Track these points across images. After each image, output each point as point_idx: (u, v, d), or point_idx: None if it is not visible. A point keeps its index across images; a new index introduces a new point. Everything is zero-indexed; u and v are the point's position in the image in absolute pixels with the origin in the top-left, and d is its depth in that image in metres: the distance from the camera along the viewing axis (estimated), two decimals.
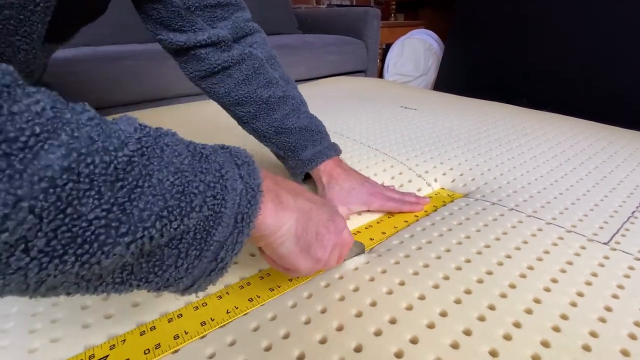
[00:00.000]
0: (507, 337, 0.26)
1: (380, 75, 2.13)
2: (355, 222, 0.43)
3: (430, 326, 0.27)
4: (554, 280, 0.31)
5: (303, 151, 0.44)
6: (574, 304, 0.29)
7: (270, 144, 0.46)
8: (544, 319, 0.27)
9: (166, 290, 0.20)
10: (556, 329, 0.26)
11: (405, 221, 0.42)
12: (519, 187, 0.49)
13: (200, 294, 0.30)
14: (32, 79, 0.42)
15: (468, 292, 0.30)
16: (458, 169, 0.55)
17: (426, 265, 0.33)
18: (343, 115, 0.80)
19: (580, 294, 0.30)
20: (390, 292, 0.30)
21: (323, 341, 0.26)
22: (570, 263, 0.34)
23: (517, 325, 0.27)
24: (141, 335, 0.27)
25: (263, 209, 0.22)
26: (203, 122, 0.77)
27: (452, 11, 1.75)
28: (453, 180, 0.53)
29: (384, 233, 0.40)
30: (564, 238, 0.37)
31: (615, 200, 0.45)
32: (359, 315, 0.28)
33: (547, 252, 0.35)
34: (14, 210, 0.12)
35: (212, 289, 0.31)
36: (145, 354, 0.25)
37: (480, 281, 0.31)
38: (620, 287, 0.31)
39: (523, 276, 0.32)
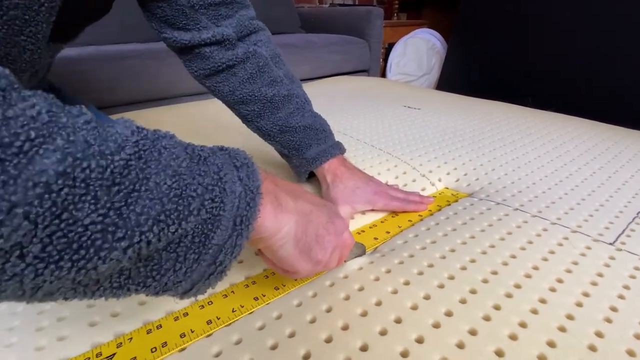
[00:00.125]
0: (513, 337, 0.26)
1: (383, 74, 2.12)
2: (359, 222, 0.43)
3: (436, 326, 0.27)
4: (560, 281, 0.31)
5: (307, 150, 0.44)
6: (579, 304, 0.29)
7: (274, 142, 0.46)
8: (550, 319, 0.27)
9: (165, 294, 0.20)
10: (562, 329, 0.26)
11: (409, 221, 0.42)
12: (523, 187, 0.49)
13: (206, 293, 0.30)
14: (37, 79, 0.42)
15: (473, 292, 0.30)
16: (462, 168, 0.55)
17: (431, 265, 0.33)
18: (346, 115, 0.80)
19: (586, 294, 0.30)
20: (395, 292, 0.30)
21: (329, 340, 0.26)
22: (575, 263, 0.33)
23: (522, 325, 0.27)
24: (148, 333, 0.27)
25: (262, 212, 0.22)
26: (206, 121, 0.77)
27: (455, 11, 1.75)
28: (457, 180, 0.53)
29: (388, 232, 0.40)
30: (569, 238, 0.37)
31: (621, 200, 0.45)
32: (364, 314, 0.28)
33: (552, 252, 0.35)
34: (9, 217, 0.12)
35: (218, 288, 0.31)
36: (152, 352, 0.25)
37: (485, 281, 0.31)
38: (626, 287, 0.31)
39: (528, 276, 0.32)
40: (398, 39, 2.08)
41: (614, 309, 0.28)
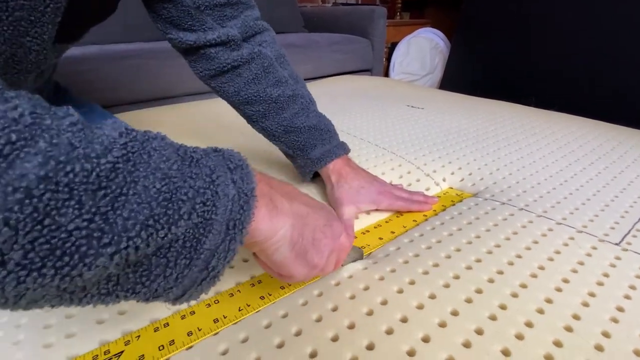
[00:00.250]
0: (519, 337, 0.26)
1: (386, 74, 2.12)
2: (364, 222, 0.43)
3: (442, 325, 0.27)
4: (566, 280, 0.31)
5: (312, 150, 0.45)
6: (585, 304, 0.29)
7: (279, 142, 0.46)
8: (556, 319, 0.27)
9: (156, 300, 0.19)
10: (568, 329, 0.26)
11: (414, 221, 0.42)
12: (528, 186, 0.49)
13: (212, 292, 0.30)
14: (43, 79, 0.42)
15: (479, 291, 0.30)
16: (466, 168, 0.55)
17: (436, 265, 0.33)
18: (349, 114, 0.80)
19: (592, 294, 0.30)
20: (400, 291, 0.30)
21: (335, 339, 0.26)
22: (581, 263, 0.33)
23: (529, 324, 0.27)
24: (155, 331, 0.27)
25: (257, 215, 0.21)
26: (208, 121, 0.77)
27: (458, 10, 1.75)
28: (462, 180, 0.53)
29: (393, 232, 0.40)
30: (574, 238, 0.37)
31: (626, 200, 0.45)
32: (370, 313, 0.28)
33: (558, 252, 0.35)
34: None
35: (224, 287, 0.31)
36: (159, 349, 0.25)
37: (491, 280, 0.31)
38: (632, 287, 0.31)
39: (534, 276, 0.32)
40: (401, 38, 2.08)
41: (620, 309, 0.28)
